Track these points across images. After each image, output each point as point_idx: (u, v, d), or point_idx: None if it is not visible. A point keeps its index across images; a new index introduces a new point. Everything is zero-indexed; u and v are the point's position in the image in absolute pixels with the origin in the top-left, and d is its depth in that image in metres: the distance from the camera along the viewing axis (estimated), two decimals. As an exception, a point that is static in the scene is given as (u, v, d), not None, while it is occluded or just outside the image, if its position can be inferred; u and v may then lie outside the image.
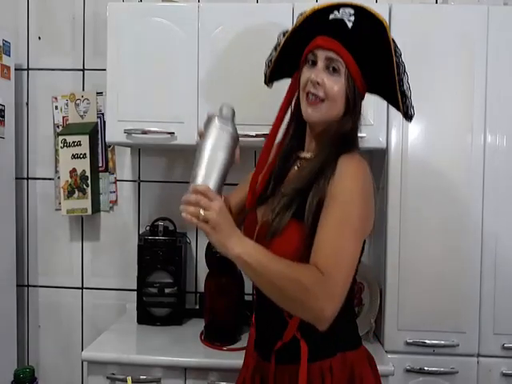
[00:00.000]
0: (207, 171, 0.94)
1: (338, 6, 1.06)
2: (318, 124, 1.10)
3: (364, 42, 1.05)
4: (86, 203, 2.02)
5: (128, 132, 1.70)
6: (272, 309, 1.02)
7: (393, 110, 1.64)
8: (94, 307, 2.11)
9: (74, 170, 2.01)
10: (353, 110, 1.08)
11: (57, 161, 2.08)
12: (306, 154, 1.14)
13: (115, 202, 2.10)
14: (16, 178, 2.05)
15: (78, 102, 2.07)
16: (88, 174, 2.01)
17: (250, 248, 0.94)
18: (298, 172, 1.13)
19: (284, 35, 1.17)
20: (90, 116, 2.06)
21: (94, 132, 2.04)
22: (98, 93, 2.05)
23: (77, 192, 2.02)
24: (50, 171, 2.11)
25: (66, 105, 2.08)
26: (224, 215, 0.92)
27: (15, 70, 2.01)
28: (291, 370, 1.06)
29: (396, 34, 1.62)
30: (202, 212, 0.90)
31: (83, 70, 2.09)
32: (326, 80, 1.05)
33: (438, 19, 1.65)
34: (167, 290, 1.85)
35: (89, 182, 2.01)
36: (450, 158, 1.64)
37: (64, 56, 2.09)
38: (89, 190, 2.02)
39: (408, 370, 1.63)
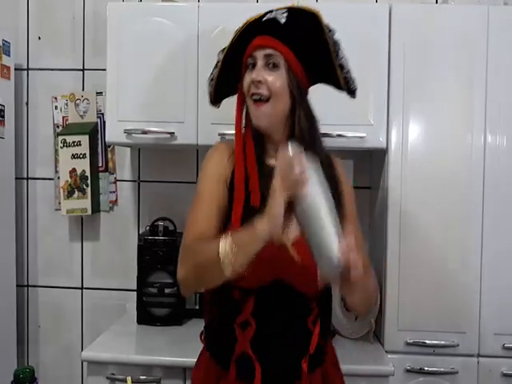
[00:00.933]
0: (329, 224, 0.85)
1: (270, 11, 1.08)
2: (268, 127, 1.08)
3: (299, 33, 1.05)
4: (86, 203, 2.02)
5: (128, 132, 1.70)
6: (294, 327, 1.06)
7: (393, 109, 1.66)
8: (94, 307, 2.11)
9: (73, 170, 2.01)
10: (300, 104, 1.07)
11: (57, 161, 2.07)
12: None
13: (115, 202, 2.09)
14: (16, 178, 2.05)
15: (77, 101, 2.07)
16: (88, 173, 2.01)
17: None
18: None
19: (223, 52, 1.16)
20: (89, 116, 2.06)
21: (94, 132, 2.04)
22: (97, 93, 2.05)
23: (76, 192, 2.02)
24: (50, 171, 2.11)
25: (66, 105, 2.08)
26: None
27: (15, 69, 2.01)
28: (318, 375, 1.09)
29: (396, 33, 1.64)
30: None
31: (83, 69, 2.09)
32: (268, 76, 1.04)
33: (438, 19, 1.65)
34: (167, 290, 1.85)
35: (89, 182, 2.01)
36: (450, 158, 1.64)
37: (64, 56, 2.09)
38: (89, 190, 2.01)
39: (408, 370, 1.63)
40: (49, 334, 2.13)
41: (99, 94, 2.04)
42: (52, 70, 2.10)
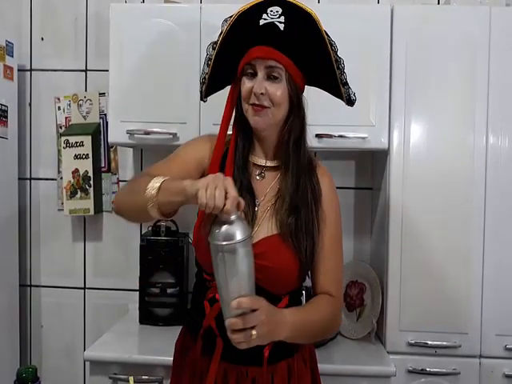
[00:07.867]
0: (240, 284, 0.87)
1: (264, 7, 1.05)
2: (265, 129, 1.11)
3: (299, 40, 1.05)
4: (89, 203, 2.03)
5: (130, 133, 1.71)
6: None
7: (395, 110, 1.67)
8: (97, 307, 2.11)
9: (76, 171, 2.02)
10: (297, 108, 1.10)
11: (59, 161, 2.08)
12: (270, 163, 1.15)
13: (117, 203, 2.10)
14: (19, 179, 2.06)
15: (80, 102, 2.08)
16: (90, 174, 2.01)
17: (292, 324, 0.99)
18: (265, 185, 1.13)
19: (214, 48, 1.14)
20: (92, 116, 2.07)
21: (97, 132, 2.05)
22: (100, 93, 2.06)
23: (79, 192, 2.02)
24: (53, 171, 2.11)
25: (69, 105, 2.08)
26: (270, 316, 0.92)
27: (18, 70, 2.02)
28: (282, 366, 1.10)
29: (398, 34, 1.64)
30: (253, 332, 0.89)
31: (86, 70, 2.10)
32: (269, 88, 1.05)
33: (440, 20, 1.65)
34: (169, 291, 1.86)
35: (91, 182, 2.02)
36: (452, 159, 1.64)
37: (67, 57, 2.10)
38: (91, 190, 2.02)
39: (410, 371, 1.63)
40: (51, 333, 2.13)
41: (102, 94, 2.05)
42: (55, 70, 2.11)
